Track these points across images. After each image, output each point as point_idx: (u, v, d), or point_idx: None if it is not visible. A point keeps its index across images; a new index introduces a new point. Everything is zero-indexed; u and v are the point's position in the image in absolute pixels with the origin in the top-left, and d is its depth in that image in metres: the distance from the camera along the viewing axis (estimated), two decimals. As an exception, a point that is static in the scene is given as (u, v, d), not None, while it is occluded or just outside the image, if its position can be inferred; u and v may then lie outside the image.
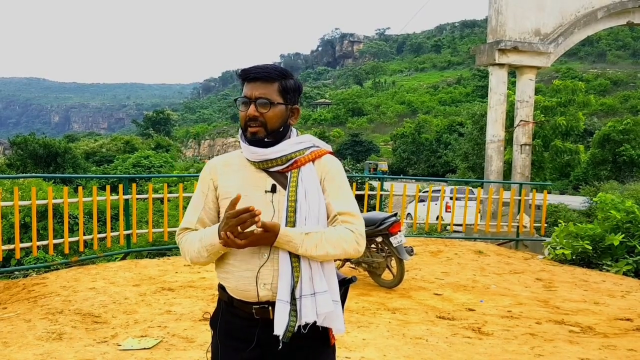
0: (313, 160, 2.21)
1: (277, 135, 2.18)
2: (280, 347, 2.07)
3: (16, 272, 8.99)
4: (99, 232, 8.73)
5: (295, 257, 2.08)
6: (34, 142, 41.22)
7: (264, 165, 2.18)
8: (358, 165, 42.29)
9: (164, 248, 10.52)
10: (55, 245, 8.24)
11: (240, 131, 2.24)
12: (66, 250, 8.40)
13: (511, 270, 8.74)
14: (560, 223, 10.48)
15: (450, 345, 5.17)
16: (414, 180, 38.21)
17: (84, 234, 8.55)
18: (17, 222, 7.80)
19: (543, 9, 14.25)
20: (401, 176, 47.78)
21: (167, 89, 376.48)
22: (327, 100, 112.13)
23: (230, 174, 2.22)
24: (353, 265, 7.67)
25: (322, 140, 2.31)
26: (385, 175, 44.36)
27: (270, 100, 2.14)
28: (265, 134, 2.15)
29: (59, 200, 8.39)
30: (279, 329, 2.05)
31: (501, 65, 14.12)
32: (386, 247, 7.22)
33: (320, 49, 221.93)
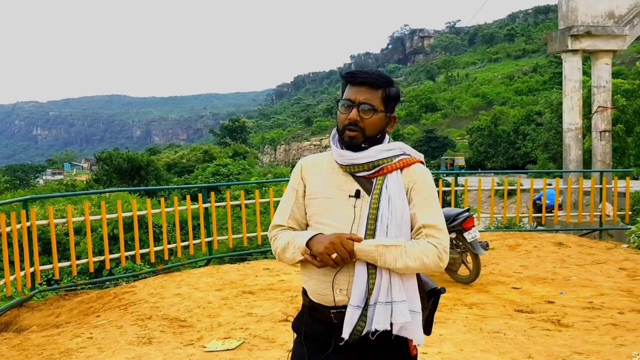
0: (401, 169, 2.18)
1: (373, 142, 2.18)
2: (342, 344, 2.10)
3: (107, 283, 9.48)
4: (182, 241, 9.09)
5: (372, 265, 2.08)
6: (118, 157, 42.65)
7: (350, 170, 2.18)
8: (432, 161, 41.87)
9: (244, 253, 10.82)
10: (142, 255, 8.64)
11: (334, 132, 2.25)
12: (152, 259, 8.79)
13: (593, 261, 8.54)
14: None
15: (528, 338, 5.15)
16: (492, 174, 37.43)
17: (168, 243, 8.91)
18: (106, 234, 8.23)
19: (616, -9, 13.83)
20: (479, 170, 46.91)
21: (242, 97, 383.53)
22: (400, 99, 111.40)
23: (318, 174, 2.24)
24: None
25: (413, 149, 2.28)
26: (462, 171, 43.72)
27: (373, 107, 2.14)
28: (363, 140, 2.15)
29: (143, 212, 8.80)
30: (346, 330, 2.07)
31: (574, 51, 13.80)
32: (461, 243, 7.22)
33: (390, 46, 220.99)
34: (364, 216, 2.12)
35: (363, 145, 2.15)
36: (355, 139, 2.14)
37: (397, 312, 2.07)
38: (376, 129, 2.17)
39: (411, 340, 2.17)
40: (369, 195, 2.14)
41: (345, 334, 2.07)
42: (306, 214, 2.27)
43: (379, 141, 2.20)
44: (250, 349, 4.93)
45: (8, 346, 5.30)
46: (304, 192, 2.27)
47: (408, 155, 2.23)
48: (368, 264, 2.08)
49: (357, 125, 2.13)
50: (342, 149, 2.19)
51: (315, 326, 2.21)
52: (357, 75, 2.16)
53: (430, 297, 2.24)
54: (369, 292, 2.08)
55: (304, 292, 2.28)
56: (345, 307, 2.11)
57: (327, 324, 2.16)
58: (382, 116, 2.17)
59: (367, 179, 2.17)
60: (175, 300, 6.62)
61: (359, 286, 2.08)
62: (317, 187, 2.22)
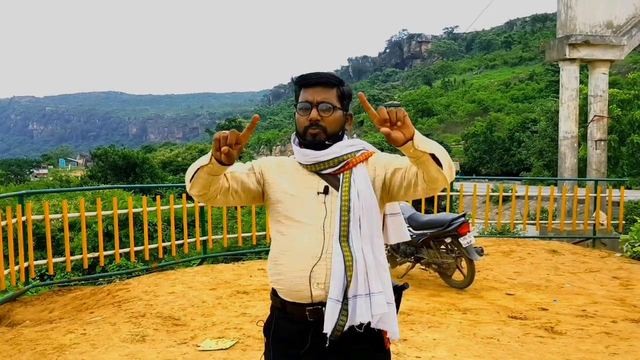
0: (363, 161, 2.22)
1: (335, 139, 2.20)
2: (327, 345, 2.07)
3: (100, 279, 9.47)
4: (177, 239, 9.08)
5: (349, 256, 2.08)
6: (113, 154, 42.51)
7: (316, 168, 2.20)
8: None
9: (239, 253, 10.82)
10: (136, 253, 8.62)
11: (293, 136, 2.28)
12: (146, 257, 8.78)
13: (586, 269, 8.57)
14: (638, 220, 10.19)
15: (522, 344, 5.16)
16: (487, 180, 37.48)
17: (163, 241, 8.90)
18: (101, 231, 8.21)
19: (614, 1, 13.90)
20: (473, 176, 46.98)
21: (239, 97, 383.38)
22: (395, 102, 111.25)
23: (283, 174, 2.25)
24: (424, 267, 7.71)
25: (372, 145, 2.32)
26: (457, 176, 43.75)
27: (332, 105, 2.18)
28: (325, 137, 2.18)
29: (138, 210, 8.79)
30: (328, 327, 2.05)
31: (572, 60, 13.84)
32: (456, 248, 7.24)
33: (387, 50, 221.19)
34: (336, 210, 2.14)
35: (326, 142, 2.18)
36: (317, 136, 2.17)
37: (375, 303, 2.08)
38: (337, 126, 2.21)
39: (385, 333, 2.18)
40: (338, 191, 2.16)
41: (327, 330, 2.05)
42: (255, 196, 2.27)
43: (340, 138, 2.23)
44: (244, 349, 4.93)
45: (1, 340, 5.27)
46: (260, 180, 2.26)
47: (366, 150, 2.27)
48: (344, 255, 2.08)
49: (317, 124, 2.17)
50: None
51: (288, 327, 2.19)
52: (310, 77, 2.21)
53: (394, 294, 2.23)
54: (347, 284, 2.07)
55: (274, 293, 2.26)
56: (321, 303, 2.10)
57: (302, 323, 2.15)
58: (340, 114, 2.21)
59: (333, 176, 2.20)
60: (169, 298, 6.61)
61: (337, 278, 2.06)
62: (284, 187, 2.23)
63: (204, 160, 2.03)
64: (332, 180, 2.20)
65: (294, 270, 2.15)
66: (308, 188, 2.21)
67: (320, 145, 2.19)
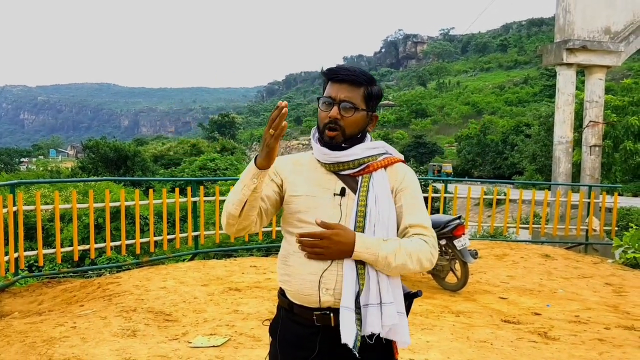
0: (385, 167, 2.15)
1: (354, 141, 2.13)
2: (357, 356, 1.98)
3: (90, 272, 9.37)
4: (168, 234, 9.00)
5: (360, 264, 2.02)
6: (105, 146, 42.23)
7: (334, 168, 2.13)
8: (422, 167, 41.95)
9: (231, 249, 10.74)
10: (127, 246, 8.53)
11: (314, 131, 2.20)
12: (137, 251, 8.69)
13: (579, 275, 8.56)
14: (632, 226, 10.18)
15: (515, 349, 5.13)
16: (479, 183, 37.53)
17: (154, 235, 8.81)
18: (92, 223, 8.12)
19: (613, 7, 13.92)
20: (466, 178, 47.05)
21: (232, 93, 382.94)
22: (390, 102, 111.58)
23: (300, 173, 2.18)
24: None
25: (394, 148, 2.26)
26: (450, 178, 43.89)
27: (354, 105, 2.09)
28: (343, 139, 2.10)
29: (130, 203, 8.70)
30: (348, 337, 1.97)
31: (569, 65, 13.85)
32: (450, 250, 7.20)
33: (383, 50, 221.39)
34: (351, 214, 2.07)
35: (343, 145, 2.11)
36: (335, 139, 2.09)
37: (386, 313, 2.01)
38: (357, 127, 2.12)
39: (394, 343, 2.12)
40: (355, 194, 2.09)
41: (348, 340, 1.97)
42: (275, 205, 2.21)
43: (360, 140, 2.16)
44: (236, 346, 4.87)
45: (-11, 332, 5.21)
46: (281, 184, 2.20)
47: (390, 154, 2.20)
48: (357, 262, 2.01)
49: (337, 123, 2.08)
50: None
51: (295, 329, 2.13)
52: (338, 72, 2.12)
53: (405, 301, 2.16)
54: (358, 292, 2.00)
55: (281, 293, 2.20)
56: (329, 309, 2.04)
57: (310, 327, 2.09)
58: (363, 115, 2.12)
59: (351, 177, 2.13)
60: (160, 293, 6.54)
61: (349, 286, 2.00)
62: (300, 185, 2.15)
63: (247, 175, 2.01)
64: (350, 183, 2.13)
65: (304, 273, 2.08)
66: (325, 188, 2.13)
67: (339, 147, 2.11)
